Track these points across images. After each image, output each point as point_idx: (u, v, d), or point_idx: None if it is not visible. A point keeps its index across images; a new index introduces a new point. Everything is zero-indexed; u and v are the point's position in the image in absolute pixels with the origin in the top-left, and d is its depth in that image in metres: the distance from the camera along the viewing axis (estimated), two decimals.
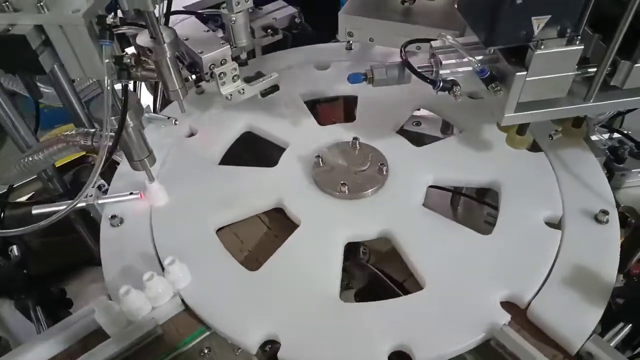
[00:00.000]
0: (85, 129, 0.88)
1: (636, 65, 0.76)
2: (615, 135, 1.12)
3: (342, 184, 0.91)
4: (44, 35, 0.69)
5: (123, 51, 0.80)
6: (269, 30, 1.23)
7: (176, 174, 0.99)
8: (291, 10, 1.28)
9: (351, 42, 1.26)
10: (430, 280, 0.80)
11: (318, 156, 0.96)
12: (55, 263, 1.16)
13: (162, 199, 0.92)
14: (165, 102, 1.18)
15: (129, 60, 0.77)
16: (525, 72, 0.74)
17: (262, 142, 1.12)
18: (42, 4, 0.67)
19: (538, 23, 0.71)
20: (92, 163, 1.27)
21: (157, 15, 0.79)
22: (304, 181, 0.95)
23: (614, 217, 0.86)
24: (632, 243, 0.95)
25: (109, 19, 0.71)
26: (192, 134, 1.09)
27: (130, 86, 0.80)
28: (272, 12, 1.27)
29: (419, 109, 1.15)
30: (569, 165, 0.95)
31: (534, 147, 0.98)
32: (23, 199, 1.32)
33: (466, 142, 1.01)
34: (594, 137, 1.07)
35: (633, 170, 0.99)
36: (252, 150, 1.16)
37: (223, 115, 1.10)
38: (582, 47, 0.73)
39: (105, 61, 0.70)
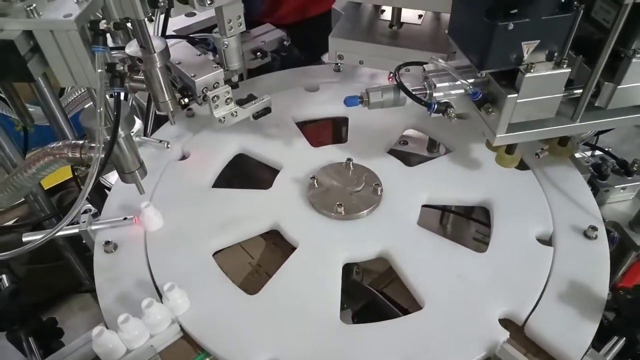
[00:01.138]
0: (73, 141, 0.84)
1: (619, 86, 0.80)
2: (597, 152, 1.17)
3: (338, 204, 0.92)
4: (33, 41, 0.66)
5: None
6: (258, 53, 1.24)
7: (170, 198, 0.98)
8: (279, 33, 1.29)
9: (339, 64, 1.29)
10: (430, 299, 0.80)
11: (313, 177, 0.97)
12: (42, 291, 1.13)
13: (157, 224, 0.91)
14: (156, 126, 1.17)
15: (122, 68, 0.75)
16: (516, 95, 0.77)
17: (250, 163, 1.12)
18: (31, 8, 0.63)
19: (528, 47, 0.74)
20: (80, 176, 1.24)
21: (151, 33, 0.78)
22: (300, 202, 0.96)
23: (602, 232, 0.89)
24: (617, 258, 0.98)
25: (102, 24, 0.68)
26: (183, 157, 1.09)
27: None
28: (260, 35, 1.29)
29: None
30: (556, 183, 0.98)
31: (521, 165, 1.00)
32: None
33: (457, 161, 1.03)
34: (577, 155, 1.11)
35: (616, 187, 1.02)
36: (241, 172, 1.16)
37: (215, 138, 1.10)
38: (570, 70, 0.76)
39: (99, 71, 0.67)
